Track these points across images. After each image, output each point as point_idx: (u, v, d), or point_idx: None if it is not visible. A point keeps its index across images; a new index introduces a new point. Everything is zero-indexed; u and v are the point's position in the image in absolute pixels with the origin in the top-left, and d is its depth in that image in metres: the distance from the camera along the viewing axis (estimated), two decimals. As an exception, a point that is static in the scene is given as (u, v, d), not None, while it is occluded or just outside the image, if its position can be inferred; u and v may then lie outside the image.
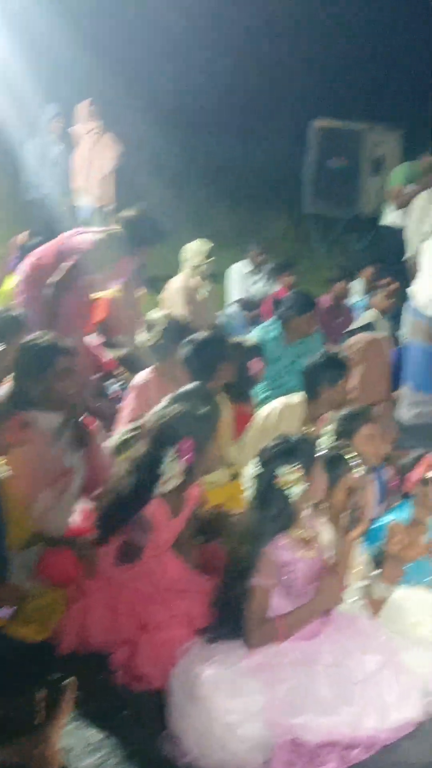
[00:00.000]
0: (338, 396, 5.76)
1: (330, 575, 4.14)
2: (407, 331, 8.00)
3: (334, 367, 5.85)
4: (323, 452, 4.44)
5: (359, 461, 4.61)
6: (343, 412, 5.37)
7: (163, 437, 4.52)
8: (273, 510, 4.06)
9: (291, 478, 4.06)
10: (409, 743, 3.92)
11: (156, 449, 4.51)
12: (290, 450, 4.13)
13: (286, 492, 4.06)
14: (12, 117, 10.95)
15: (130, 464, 4.57)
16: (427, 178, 10.15)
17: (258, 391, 6.84)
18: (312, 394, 5.84)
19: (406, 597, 4.55)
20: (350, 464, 4.54)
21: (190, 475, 4.59)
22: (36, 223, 10.03)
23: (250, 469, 4.15)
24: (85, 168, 11.58)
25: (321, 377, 5.81)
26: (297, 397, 5.94)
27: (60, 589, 4.42)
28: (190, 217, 11.83)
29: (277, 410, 5.94)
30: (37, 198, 11.52)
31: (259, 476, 4.10)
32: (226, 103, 19.22)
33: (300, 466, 4.08)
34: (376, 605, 4.41)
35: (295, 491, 4.07)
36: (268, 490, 4.08)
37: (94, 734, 3.85)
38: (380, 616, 4.41)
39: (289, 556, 4.10)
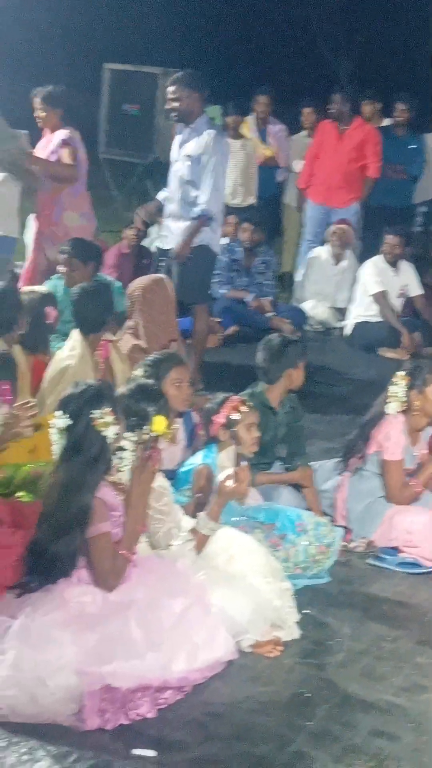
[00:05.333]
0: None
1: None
2: None
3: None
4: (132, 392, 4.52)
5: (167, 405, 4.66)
6: (152, 356, 5.41)
7: None
8: (93, 454, 4.01)
9: (107, 419, 4.02)
10: (219, 683, 3.99)
11: None
12: (98, 394, 4.09)
13: (103, 434, 4.02)
14: None
15: None
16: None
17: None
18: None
19: (218, 535, 4.60)
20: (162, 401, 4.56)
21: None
22: None
23: (59, 420, 4.07)
24: None
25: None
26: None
27: None
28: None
29: (78, 358, 5.96)
30: None
31: (74, 423, 4.03)
32: (17, 46, 18.77)
33: (111, 408, 4.06)
34: (201, 542, 4.47)
35: (111, 432, 4.03)
36: (85, 435, 4.01)
37: None
38: (201, 552, 4.48)
39: (113, 499, 4.09)
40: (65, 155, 8.17)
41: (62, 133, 8.23)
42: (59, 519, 3.99)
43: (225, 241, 10.00)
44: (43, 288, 6.80)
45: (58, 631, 3.79)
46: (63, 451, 4.07)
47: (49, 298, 6.47)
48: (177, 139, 7.86)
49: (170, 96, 7.62)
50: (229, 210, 10.27)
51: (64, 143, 8.18)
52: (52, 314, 6.35)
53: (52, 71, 17.54)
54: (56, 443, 4.09)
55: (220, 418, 5.07)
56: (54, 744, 3.55)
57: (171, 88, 7.63)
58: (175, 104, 7.63)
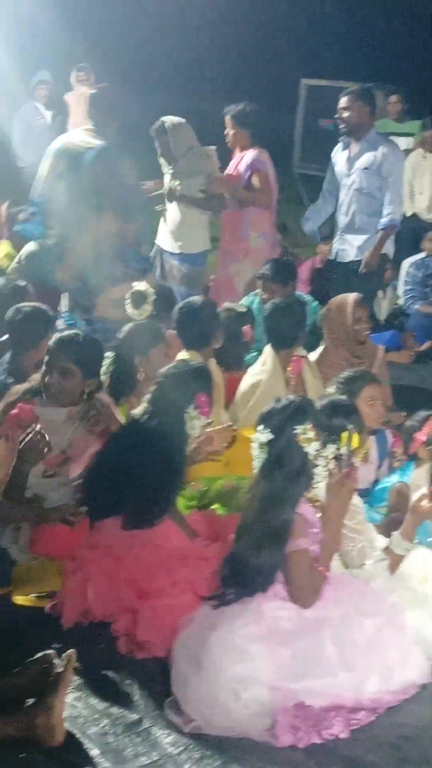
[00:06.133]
0: None
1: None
2: None
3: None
4: (325, 408, 4.50)
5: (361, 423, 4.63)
6: (345, 373, 5.40)
7: (183, 394, 4.61)
8: (295, 469, 4.03)
9: (309, 435, 4.03)
10: (413, 705, 3.92)
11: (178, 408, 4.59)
12: (301, 409, 4.10)
13: (305, 450, 4.04)
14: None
15: (152, 435, 4.58)
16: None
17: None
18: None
19: (413, 555, 4.56)
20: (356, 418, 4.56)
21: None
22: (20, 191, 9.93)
23: (261, 434, 4.10)
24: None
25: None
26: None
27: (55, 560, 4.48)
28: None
29: (270, 373, 6.04)
30: (23, 167, 11.39)
31: (276, 438, 4.05)
32: (216, 63, 19.09)
33: (312, 424, 4.07)
34: (395, 562, 4.44)
35: (312, 448, 4.05)
36: (288, 450, 4.03)
37: (99, 702, 3.84)
38: (395, 572, 4.45)
39: (312, 515, 4.10)
40: (256, 181, 8.15)
41: (251, 157, 8.17)
42: (259, 533, 4.01)
43: (421, 256, 9.89)
44: (241, 306, 6.87)
45: (252, 645, 3.82)
46: (264, 466, 4.09)
47: (246, 316, 6.53)
48: (344, 155, 7.92)
49: (341, 106, 7.64)
50: (425, 225, 10.16)
51: (254, 168, 8.16)
52: (248, 333, 6.41)
53: (251, 87, 17.76)
54: (257, 458, 4.12)
55: (421, 436, 5.02)
56: (247, 759, 3.56)
57: (343, 99, 7.65)
58: (345, 114, 7.67)
